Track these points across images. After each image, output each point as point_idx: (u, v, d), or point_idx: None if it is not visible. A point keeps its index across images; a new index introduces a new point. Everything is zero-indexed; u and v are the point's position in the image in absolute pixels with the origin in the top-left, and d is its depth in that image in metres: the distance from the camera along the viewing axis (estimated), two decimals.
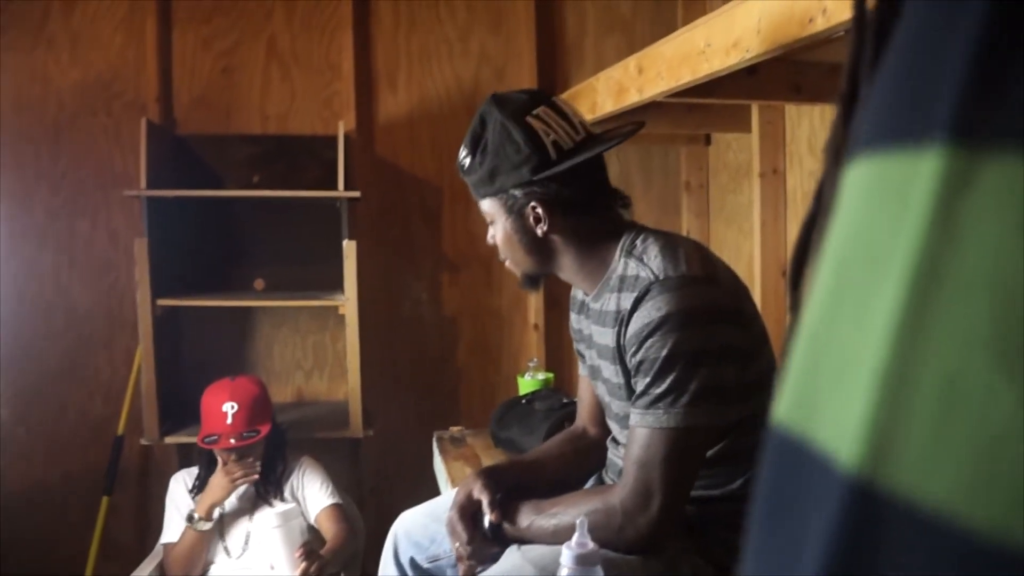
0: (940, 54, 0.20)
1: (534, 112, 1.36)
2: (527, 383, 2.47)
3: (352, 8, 2.90)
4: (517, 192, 1.36)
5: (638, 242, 1.36)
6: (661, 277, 1.27)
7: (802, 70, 1.72)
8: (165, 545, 2.34)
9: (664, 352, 1.22)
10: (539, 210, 1.36)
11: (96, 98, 2.84)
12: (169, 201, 2.60)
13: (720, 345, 1.24)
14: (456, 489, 1.49)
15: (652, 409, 1.24)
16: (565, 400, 2.16)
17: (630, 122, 1.48)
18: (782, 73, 1.72)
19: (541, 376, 2.50)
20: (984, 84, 0.19)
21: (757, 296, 2.26)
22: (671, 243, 1.34)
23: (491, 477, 1.45)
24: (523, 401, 2.25)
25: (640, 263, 1.32)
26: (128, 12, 2.83)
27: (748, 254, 2.61)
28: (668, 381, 1.22)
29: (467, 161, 1.41)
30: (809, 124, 2.29)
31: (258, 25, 2.89)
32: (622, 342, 1.31)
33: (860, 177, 0.21)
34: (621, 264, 1.36)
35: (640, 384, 1.26)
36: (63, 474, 2.87)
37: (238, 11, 2.88)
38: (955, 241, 0.18)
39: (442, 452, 2.25)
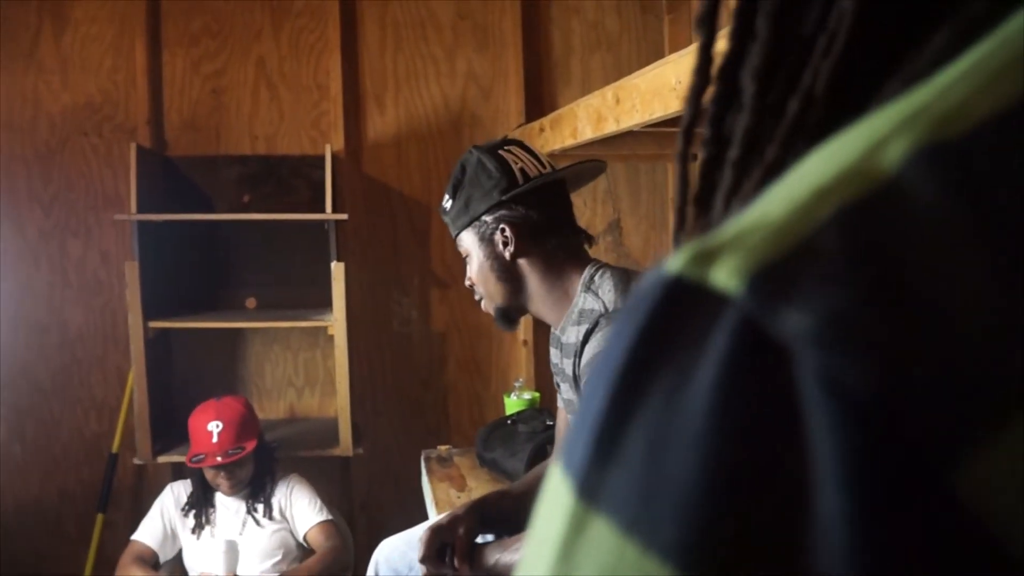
0: (594, 392, 0.21)
1: (505, 148, 1.49)
2: (513, 403, 2.49)
3: (339, 29, 2.92)
4: (488, 217, 1.45)
5: (596, 277, 1.43)
6: (611, 309, 1.35)
7: None
8: (133, 540, 2.42)
9: None
10: (507, 232, 1.44)
11: (87, 121, 2.86)
12: (159, 223, 2.63)
13: None
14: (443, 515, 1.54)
15: None
16: (549, 422, 2.18)
17: (594, 161, 1.58)
18: None
19: (527, 396, 2.52)
20: (600, 449, 0.20)
21: None
22: (625, 277, 1.41)
23: (481, 513, 1.51)
24: (508, 422, 2.28)
25: (595, 296, 1.39)
26: (117, 35, 2.85)
27: None
28: None
29: (448, 204, 1.51)
30: None
31: (246, 47, 2.92)
32: (577, 372, 1.38)
33: (551, 473, 0.23)
34: (581, 298, 1.43)
35: None
36: (58, 491, 2.90)
37: (227, 33, 2.91)
38: (569, 573, 0.20)
39: (429, 472, 2.28)
